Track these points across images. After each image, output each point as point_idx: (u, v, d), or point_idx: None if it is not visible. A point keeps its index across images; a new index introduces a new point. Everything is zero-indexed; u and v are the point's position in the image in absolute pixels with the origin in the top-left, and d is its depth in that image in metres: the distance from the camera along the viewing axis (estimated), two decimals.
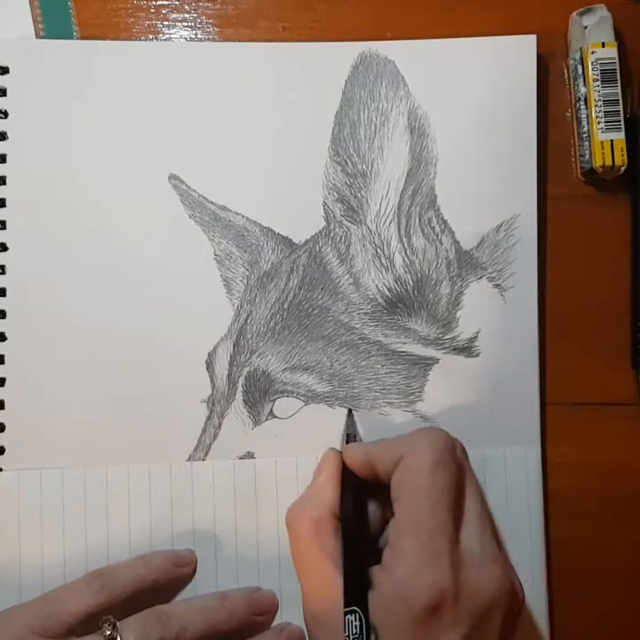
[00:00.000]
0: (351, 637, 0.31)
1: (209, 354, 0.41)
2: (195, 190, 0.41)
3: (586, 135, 0.41)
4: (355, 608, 0.31)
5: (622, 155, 0.40)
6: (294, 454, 0.41)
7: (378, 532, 0.36)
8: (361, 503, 0.36)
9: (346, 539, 0.34)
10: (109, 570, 0.37)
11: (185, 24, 0.42)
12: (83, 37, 0.42)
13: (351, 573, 0.33)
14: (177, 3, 0.42)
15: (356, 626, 0.31)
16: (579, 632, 0.41)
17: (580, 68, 0.41)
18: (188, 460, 0.41)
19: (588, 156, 0.41)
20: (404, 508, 0.33)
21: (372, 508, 0.36)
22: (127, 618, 0.34)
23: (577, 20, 0.41)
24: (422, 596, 0.30)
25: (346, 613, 0.31)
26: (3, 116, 0.41)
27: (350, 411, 0.40)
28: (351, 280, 0.41)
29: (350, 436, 0.38)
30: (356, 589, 0.32)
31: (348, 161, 0.41)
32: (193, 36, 0.42)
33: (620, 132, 0.40)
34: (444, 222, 0.41)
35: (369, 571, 0.33)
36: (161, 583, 0.38)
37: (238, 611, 0.37)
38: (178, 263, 0.41)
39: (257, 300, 0.41)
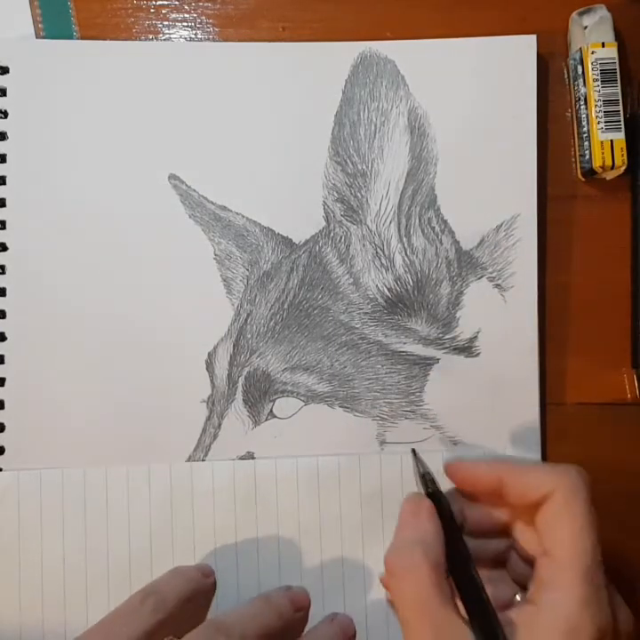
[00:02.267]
0: None
1: (209, 354, 0.41)
2: (195, 190, 0.41)
3: (586, 135, 0.41)
4: None
5: (622, 155, 0.40)
6: (294, 454, 0.41)
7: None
8: (465, 544, 0.34)
9: (468, 583, 0.33)
10: (155, 587, 0.36)
11: (185, 24, 0.42)
12: (83, 37, 0.42)
13: (481, 612, 0.31)
14: (177, 3, 0.42)
15: None
16: None
17: (579, 68, 0.41)
18: (188, 460, 0.41)
19: (588, 156, 0.41)
20: (563, 544, 0.32)
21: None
22: (188, 634, 0.34)
23: (577, 20, 0.41)
24: (591, 631, 0.30)
25: None
26: (3, 115, 0.41)
27: (414, 450, 0.38)
28: (351, 280, 0.41)
29: (425, 475, 0.36)
30: (493, 631, 0.31)
31: (347, 161, 0.41)
32: (193, 36, 0.42)
33: (620, 131, 0.40)
34: (444, 222, 0.41)
35: (509, 612, 0.32)
36: (197, 593, 0.37)
37: (284, 610, 0.37)
38: (178, 263, 0.41)
39: (257, 299, 0.41)
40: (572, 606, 0.31)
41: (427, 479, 0.36)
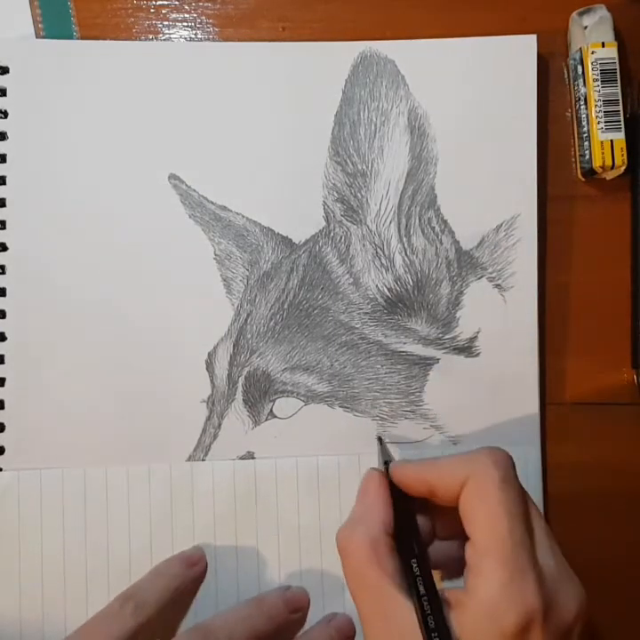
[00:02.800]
0: None
1: (209, 354, 0.41)
2: (195, 190, 0.41)
3: (586, 135, 0.41)
4: (434, 633, 0.31)
5: (622, 155, 0.40)
6: (294, 454, 0.41)
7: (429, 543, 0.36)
8: (412, 518, 0.35)
9: (409, 556, 0.33)
10: (136, 589, 0.37)
11: (185, 24, 0.42)
12: (83, 37, 0.42)
13: (425, 594, 0.32)
14: (177, 3, 0.42)
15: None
16: None
17: (580, 67, 0.41)
18: (188, 460, 0.41)
19: (588, 156, 0.41)
20: (479, 530, 0.32)
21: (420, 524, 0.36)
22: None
23: (577, 20, 0.41)
24: (513, 615, 0.30)
25: (431, 637, 0.31)
26: (3, 115, 0.41)
27: (380, 438, 0.40)
28: (351, 280, 0.41)
29: (387, 459, 0.38)
30: (435, 610, 0.31)
31: (347, 161, 0.41)
32: (193, 36, 0.42)
33: (620, 131, 0.40)
34: (444, 222, 0.41)
35: (443, 592, 0.32)
36: (181, 590, 0.38)
37: (276, 613, 0.37)
38: (178, 263, 0.41)
39: (257, 299, 0.41)
40: (492, 590, 0.31)
41: (386, 459, 0.37)
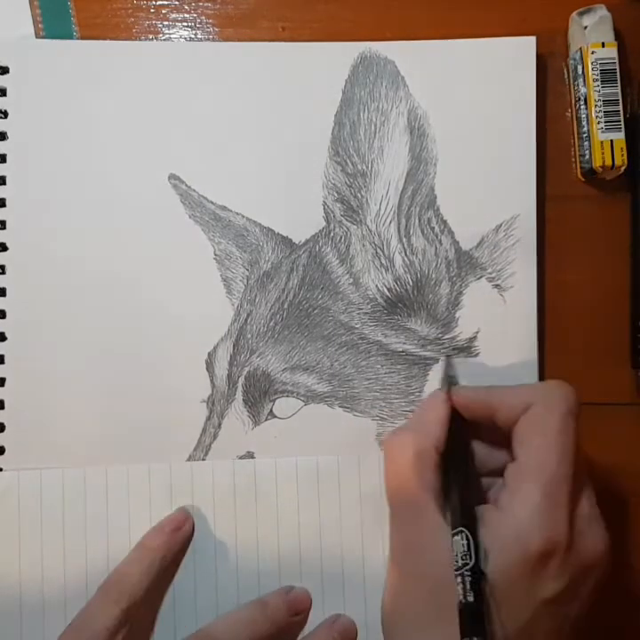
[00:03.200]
0: (459, 556, 0.31)
1: (209, 354, 0.41)
2: (195, 190, 0.41)
3: (586, 135, 0.41)
4: (462, 529, 0.32)
5: (622, 155, 0.40)
6: (294, 454, 0.41)
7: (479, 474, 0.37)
8: (465, 443, 0.36)
9: (454, 473, 0.34)
10: (118, 574, 0.38)
11: (185, 24, 0.42)
12: (83, 37, 0.42)
13: (462, 504, 0.33)
14: (177, 3, 0.42)
15: (463, 545, 0.31)
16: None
17: (579, 67, 0.41)
18: (188, 459, 0.41)
19: (588, 156, 0.41)
20: (529, 454, 0.33)
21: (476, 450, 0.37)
22: None
23: (577, 20, 0.41)
24: (538, 540, 0.31)
25: (454, 534, 0.32)
26: (3, 115, 0.41)
27: (448, 355, 0.40)
28: (351, 280, 0.41)
29: (451, 378, 0.38)
30: (465, 516, 0.32)
31: (347, 161, 0.41)
32: (193, 36, 0.42)
33: (620, 131, 0.40)
34: (444, 222, 0.41)
35: (477, 508, 0.33)
36: (167, 559, 0.38)
37: (279, 616, 0.38)
38: (178, 263, 0.41)
39: (257, 299, 0.41)
40: (525, 513, 0.32)
41: (450, 381, 0.38)
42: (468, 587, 0.31)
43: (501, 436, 0.35)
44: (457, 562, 0.31)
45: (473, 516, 0.33)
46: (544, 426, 0.33)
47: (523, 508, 0.32)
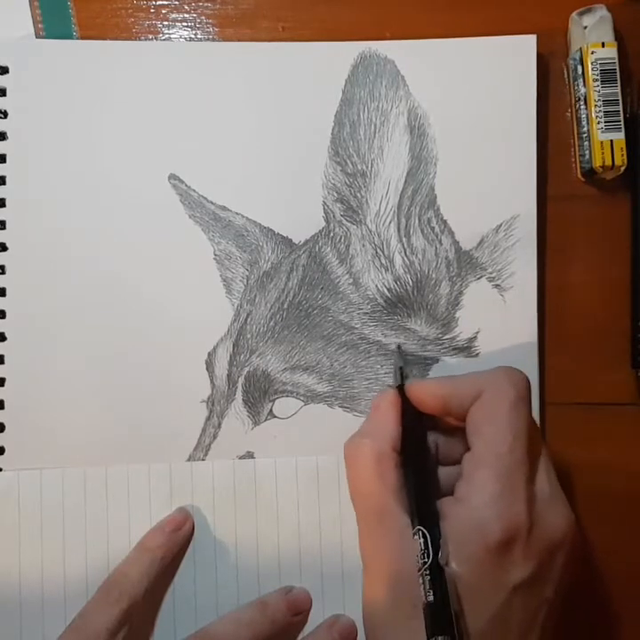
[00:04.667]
0: (418, 556, 0.31)
1: (209, 354, 0.41)
2: (195, 190, 0.41)
3: (586, 135, 0.41)
4: (419, 527, 0.32)
5: (622, 155, 0.40)
6: (294, 454, 0.41)
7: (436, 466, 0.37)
8: (422, 437, 0.36)
9: (411, 471, 0.35)
10: (118, 575, 0.38)
11: (185, 24, 0.42)
12: (83, 37, 0.42)
13: (419, 501, 0.33)
14: (177, 3, 0.42)
15: (420, 543, 0.31)
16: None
17: (579, 67, 0.41)
18: (188, 459, 0.41)
19: (588, 156, 0.41)
20: (482, 442, 0.33)
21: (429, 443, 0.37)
22: None
23: (577, 20, 0.41)
24: (497, 528, 0.31)
25: (414, 534, 0.32)
26: (3, 115, 0.41)
27: (399, 346, 0.40)
28: (351, 280, 0.41)
29: (402, 371, 0.38)
30: (426, 515, 0.32)
31: (347, 161, 0.41)
32: (193, 36, 0.42)
33: (620, 131, 0.40)
34: (444, 222, 0.41)
35: (438, 502, 0.33)
36: (167, 558, 0.38)
37: (279, 616, 0.38)
38: (178, 263, 0.41)
39: (257, 299, 0.41)
40: (481, 501, 0.32)
41: (401, 373, 0.38)
42: (428, 586, 0.31)
43: (455, 425, 0.36)
44: (417, 562, 0.31)
45: (433, 511, 0.33)
46: (494, 413, 0.33)
47: (479, 497, 0.32)
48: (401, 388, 0.37)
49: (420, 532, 0.32)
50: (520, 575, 0.31)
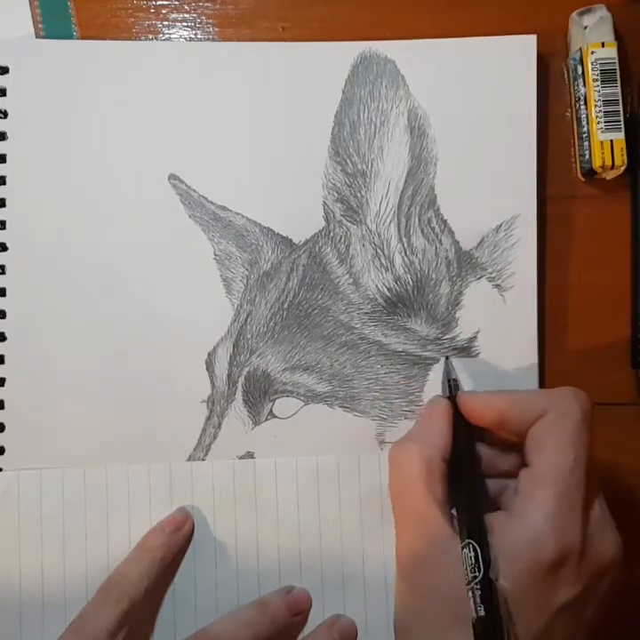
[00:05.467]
0: (468, 570, 0.31)
1: (209, 354, 0.41)
2: (195, 190, 0.41)
3: (586, 135, 0.41)
4: (470, 541, 0.31)
5: (622, 155, 0.40)
6: (294, 454, 0.41)
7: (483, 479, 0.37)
8: (471, 450, 0.36)
9: (460, 482, 0.34)
10: (118, 575, 0.38)
11: (185, 24, 0.42)
12: (83, 37, 0.42)
13: (468, 514, 0.33)
14: (177, 3, 0.42)
15: (470, 557, 0.31)
16: None
17: (579, 68, 0.41)
18: (188, 459, 0.41)
19: (587, 156, 0.41)
20: (543, 460, 0.33)
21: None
22: None
23: (577, 20, 0.41)
24: (552, 548, 0.31)
25: (463, 547, 0.32)
26: (2, 115, 0.41)
27: (447, 357, 0.40)
28: (351, 280, 0.41)
29: (451, 382, 0.38)
30: (476, 528, 0.32)
31: (347, 161, 0.41)
32: (193, 36, 0.42)
33: (620, 131, 0.40)
34: (444, 222, 0.41)
35: (487, 516, 0.33)
36: (167, 559, 0.38)
37: (279, 616, 0.38)
38: (178, 263, 0.41)
39: (257, 300, 0.41)
40: (539, 519, 0.32)
41: (451, 384, 0.38)
42: (479, 600, 0.30)
43: (504, 439, 0.36)
44: (467, 575, 0.31)
45: (482, 525, 0.32)
46: (559, 433, 0.33)
47: (537, 514, 0.32)
48: (451, 400, 0.37)
49: (471, 546, 0.31)
50: (566, 596, 0.31)
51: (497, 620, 0.30)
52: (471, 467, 0.35)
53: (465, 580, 0.31)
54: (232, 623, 0.37)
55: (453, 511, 0.34)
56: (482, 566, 0.31)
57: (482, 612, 0.30)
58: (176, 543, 0.39)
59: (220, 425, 0.41)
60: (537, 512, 0.32)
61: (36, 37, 0.42)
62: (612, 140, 0.40)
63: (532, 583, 0.31)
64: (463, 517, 0.33)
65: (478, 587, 0.30)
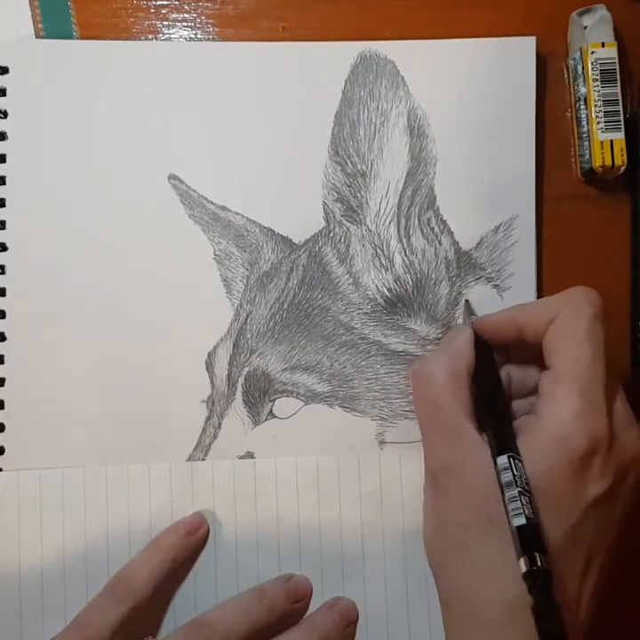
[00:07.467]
0: (504, 481, 0.31)
1: (209, 354, 0.41)
2: (195, 190, 0.41)
3: (586, 135, 0.41)
4: (503, 448, 0.32)
5: (622, 155, 0.40)
6: (294, 454, 0.41)
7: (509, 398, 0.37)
8: (494, 373, 0.36)
9: (487, 396, 0.35)
10: (126, 572, 0.37)
11: (185, 24, 0.42)
12: (83, 37, 0.42)
13: (497, 424, 0.33)
14: (177, 3, 0.42)
15: (505, 465, 0.31)
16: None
17: (579, 67, 0.41)
18: (188, 459, 0.41)
19: (587, 156, 0.41)
20: (562, 359, 0.33)
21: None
22: (167, 635, 0.35)
23: (577, 20, 0.41)
24: (582, 440, 0.31)
25: (495, 456, 0.32)
26: (2, 115, 0.41)
27: (467, 300, 0.41)
28: (351, 280, 0.41)
29: (473, 317, 0.39)
30: (507, 437, 0.33)
31: (347, 161, 0.41)
32: (193, 36, 0.42)
33: (620, 131, 0.40)
34: (444, 223, 0.41)
35: (515, 422, 0.34)
36: (179, 561, 0.38)
37: (278, 604, 0.38)
38: (178, 263, 0.41)
39: (257, 299, 0.41)
40: (566, 415, 0.32)
41: (472, 321, 0.38)
42: (521, 504, 0.31)
43: (528, 357, 0.36)
44: (501, 482, 0.31)
45: (511, 433, 0.33)
46: (574, 331, 0.33)
47: (562, 411, 0.32)
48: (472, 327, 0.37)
49: (506, 456, 0.32)
50: (598, 490, 0.32)
51: (535, 523, 0.30)
52: (496, 383, 0.36)
53: (497, 486, 0.31)
54: (228, 610, 0.37)
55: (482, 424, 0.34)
56: (515, 474, 0.31)
57: (521, 520, 0.30)
58: (188, 546, 0.39)
59: (219, 425, 0.41)
60: (562, 408, 0.32)
61: (36, 37, 0.42)
62: (611, 140, 0.40)
63: (563, 478, 0.31)
64: (491, 427, 0.33)
65: (515, 495, 0.31)
